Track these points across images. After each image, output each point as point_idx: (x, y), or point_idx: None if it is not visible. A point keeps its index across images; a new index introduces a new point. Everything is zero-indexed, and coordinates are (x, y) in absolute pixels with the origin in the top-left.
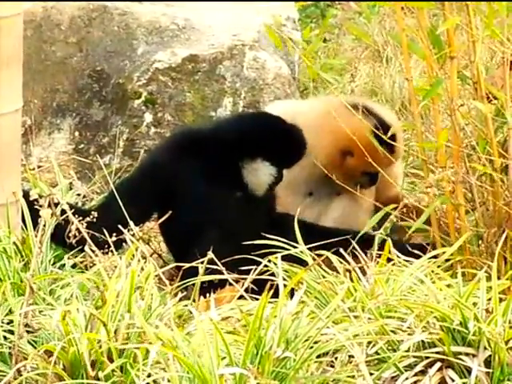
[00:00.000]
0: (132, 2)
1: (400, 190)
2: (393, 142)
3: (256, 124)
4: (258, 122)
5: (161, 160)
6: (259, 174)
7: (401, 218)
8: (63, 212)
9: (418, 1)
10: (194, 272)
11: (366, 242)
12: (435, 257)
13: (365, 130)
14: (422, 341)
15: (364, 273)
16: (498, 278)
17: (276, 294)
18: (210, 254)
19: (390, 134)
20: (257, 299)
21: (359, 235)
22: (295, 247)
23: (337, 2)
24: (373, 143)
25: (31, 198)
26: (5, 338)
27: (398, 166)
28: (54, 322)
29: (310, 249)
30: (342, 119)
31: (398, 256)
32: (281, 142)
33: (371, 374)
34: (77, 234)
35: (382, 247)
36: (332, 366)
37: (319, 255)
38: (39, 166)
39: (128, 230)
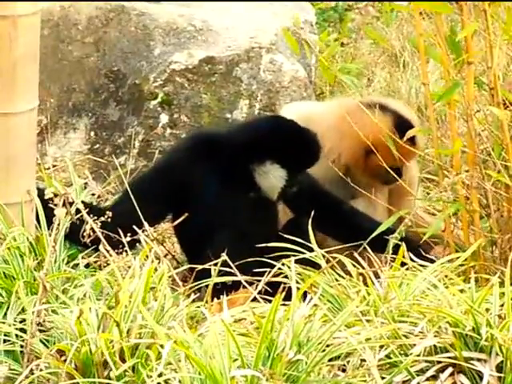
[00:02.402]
0: (150, 2)
1: (415, 198)
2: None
3: (266, 127)
4: (269, 125)
5: (176, 161)
6: (269, 177)
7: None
8: (78, 211)
9: (436, 0)
10: (207, 273)
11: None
12: (449, 262)
13: (385, 127)
14: (434, 346)
15: (377, 276)
16: (511, 284)
17: (289, 297)
18: (224, 256)
19: (408, 125)
20: (270, 302)
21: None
22: (310, 250)
23: (355, 7)
24: (394, 138)
25: (46, 197)
26: (17, 336)
27: (412, 172)
28: (72, 322)
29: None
30: (360, 119)
31: (411, 260)
32: (291, 145)
33: (383, 378)
34: (91, 234)
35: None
36: (344, 370)
37: (332, 258)
38: (54, 166)
39: (142, 231)
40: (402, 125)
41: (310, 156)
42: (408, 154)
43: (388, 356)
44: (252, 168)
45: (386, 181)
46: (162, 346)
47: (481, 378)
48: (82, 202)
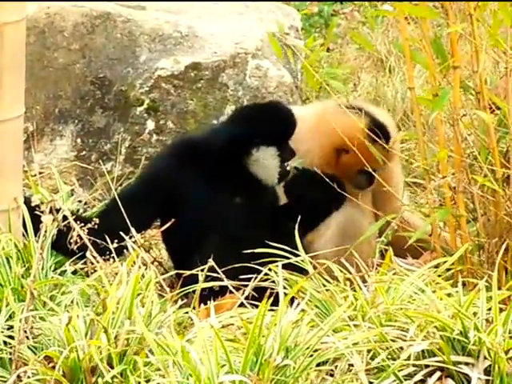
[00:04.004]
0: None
1: (400, 203)
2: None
3: (235, 120)
4: (236, 116)
5: (161, 169)
6: (262, 161)
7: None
8: (64, 218)
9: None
10: (194, 279)
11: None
12: (436, 266)
13: (359, 128)
14: (422, 350)
15: (364, 281)
16: (499, 288)
17: (276, 302)
18: (211, 262)
19: (382, 130)
20: (257, 307)
21: None
22: (296, 255)
23: (340, 12)
24: (369, 141)
25: (33, 204)
26: (5, 343)
27: (398, 178)
28: (62, 329)
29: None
30: (335, 119)
31: (399, 265)
32: (263, 120)
33: (371, 383)
34: (78, 241)
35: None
36: (332, 375)
37: (320, 264)
38: (41, 173)
39: (129, 237)
40: (375, 128)
41: (286, 120)
42: (380, 159)
43: (373, 359)
44: (244, 164)
45: (356, 184)
46: (150, 351)
47: (469, 382)
48: (69, 210)
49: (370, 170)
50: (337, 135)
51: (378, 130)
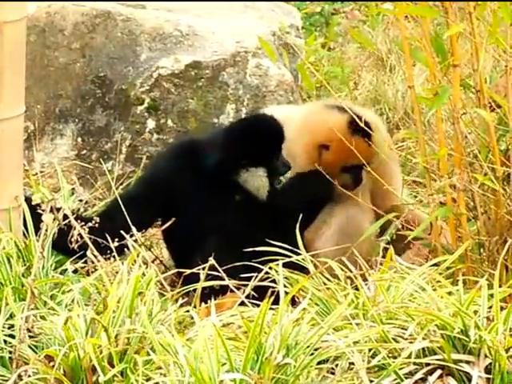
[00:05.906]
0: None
1: (400, 200)
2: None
3: (225, 143)
4: (226, 139)
5: (161, 169)
6: (251, 181)
7: (402, 226)
8: (65, 217)
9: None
10: (195, 278)
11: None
12: (437, 264)
13: (339, 124)
14: (423, 348)
15: (365, 279)
16: (499, 286)
17: (277, 301)
18: (212, 260)
19: (365, 126)
20: (258, 306)
21: None
22: (297, 253)
23: (341, 11)
24: (348, 136)
25: (33, 203)
26: (5, 342)
27: (395, 176)
28: (59, 328)
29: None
30: (318, 117)
31: (400, 263)
32: (249, 146)
33: (371, 381)
34: (79, 239)
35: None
36: (332, 373)
37: (321, 262)
38: (41, 172)
39: (130, 236)
40: (356, 125)
41: (271, 139)
42: (362, 154)
43: (373, 357)
44: (234, 177)
45: (341, 183)
46: (151, 350)
47: (469, 380)
48: (69, 209)
49: (362, 166)
50: (318, 132)
51: (360, 127)
